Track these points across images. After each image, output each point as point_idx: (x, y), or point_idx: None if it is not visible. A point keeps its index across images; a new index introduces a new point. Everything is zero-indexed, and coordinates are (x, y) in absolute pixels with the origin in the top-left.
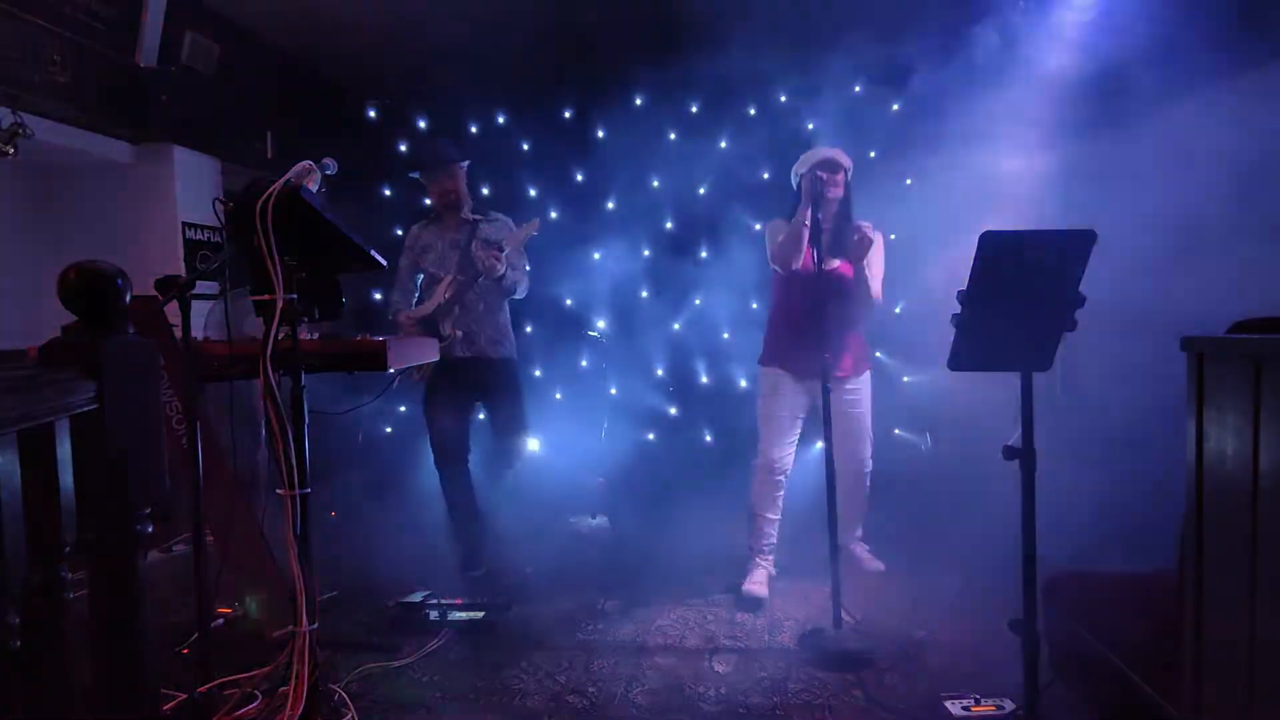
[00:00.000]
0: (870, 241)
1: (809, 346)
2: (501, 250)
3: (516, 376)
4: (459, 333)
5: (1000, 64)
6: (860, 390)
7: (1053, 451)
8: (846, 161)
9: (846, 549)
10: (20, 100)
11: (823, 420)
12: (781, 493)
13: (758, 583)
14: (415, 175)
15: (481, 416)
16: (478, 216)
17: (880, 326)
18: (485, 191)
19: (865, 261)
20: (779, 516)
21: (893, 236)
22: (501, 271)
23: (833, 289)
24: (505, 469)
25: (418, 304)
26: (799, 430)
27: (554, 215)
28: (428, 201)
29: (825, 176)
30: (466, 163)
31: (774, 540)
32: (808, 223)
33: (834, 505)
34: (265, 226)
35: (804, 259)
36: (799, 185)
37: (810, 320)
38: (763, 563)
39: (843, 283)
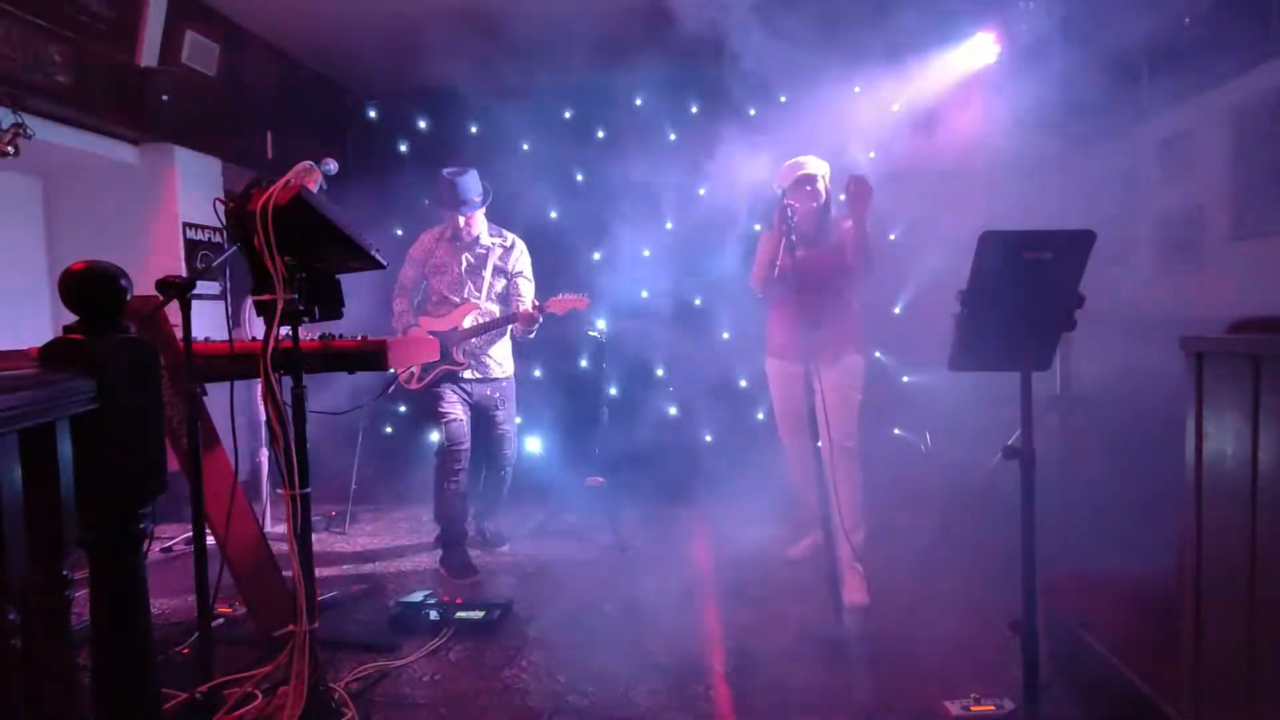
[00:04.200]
0: (852, 230)
1: (800, 335)
2: (539, 308)
3: (513, 391)
4: (470, 361)
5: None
6: (848, 371)
7: (1052, 452)
8: (820, 168)
9: (841, 562)
10: (21, 101)
11: (815, 407)
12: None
13: (802, 547)
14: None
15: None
16: (495, 239)
17: (879, 326)
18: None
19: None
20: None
21: (892, 237)
22: (535, 330)
23: (819, 280)
24: (497, 474)
25: (420, 313)
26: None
27: (554, 215)
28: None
29: (796, 205)
30: (489, 200)
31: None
32: (780, 261)
33: (827, 500)
34: (265, 226)
35: (780, 271)
36: (784, 193)
37: (800, 311)
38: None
39: (828, 273)
